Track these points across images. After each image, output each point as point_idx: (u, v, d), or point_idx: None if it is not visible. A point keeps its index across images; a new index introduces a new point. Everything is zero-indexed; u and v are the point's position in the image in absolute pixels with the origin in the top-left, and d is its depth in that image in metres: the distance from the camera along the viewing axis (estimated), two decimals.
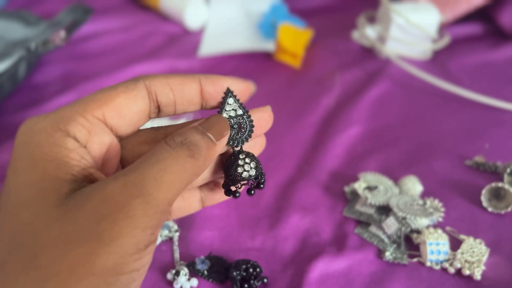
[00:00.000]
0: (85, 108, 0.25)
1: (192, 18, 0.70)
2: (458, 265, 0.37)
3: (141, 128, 0.29)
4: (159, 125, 0.30)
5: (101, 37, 0.69)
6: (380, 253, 0.39)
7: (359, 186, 0.43)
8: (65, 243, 0.20)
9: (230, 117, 0.29)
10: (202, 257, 0.39)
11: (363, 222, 0.41)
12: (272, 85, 0.60)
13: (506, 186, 0.41)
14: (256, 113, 0.30)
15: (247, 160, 0.29)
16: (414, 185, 0.43)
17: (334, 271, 0.38)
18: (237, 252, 0.40)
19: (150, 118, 0.28)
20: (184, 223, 0.42)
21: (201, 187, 0.32)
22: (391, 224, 0.39)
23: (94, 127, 0.25)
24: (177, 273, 0.37)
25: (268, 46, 0.63)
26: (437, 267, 0.38)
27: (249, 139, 0.30)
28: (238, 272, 0.37)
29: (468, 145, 0.48)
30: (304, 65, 0.63)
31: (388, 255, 0.38)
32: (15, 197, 0.23)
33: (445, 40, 0.61)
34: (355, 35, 0.63)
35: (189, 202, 0.31)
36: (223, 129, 0.27)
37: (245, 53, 0.65)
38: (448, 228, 0.40)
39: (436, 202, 0.42)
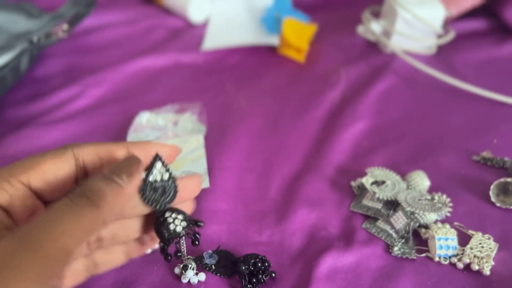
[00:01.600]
0: (10, 173, 0.26)
1: (196, 12, 0.69)
2: (467, 260, 0.37)
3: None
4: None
5: (104, 30, 0.69)
6: (388, 248, 0.39)
7: (367, 180, 0.42)
8: None
9: (156, 181, 0.29)
10: (210, 251, 0.38)
11: (371, 217, 0.41)
12: (276, 79, 0.59)
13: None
14: (183, 180, 0.30)
15: (174, 215, 0.30)
16: (422, 180, 0.42)
17: (343, 266, 0.38)
18: (244, 247, 0.40)
19: (77, 183, 0.29)
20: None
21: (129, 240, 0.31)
22: (399, 219, 0.39)
23: (17, 191, 0.26)
24: (185, 268, 0.37)
25: (272, 40, 0.63)
26: (446, 262, 0.37)
27: (172, 203, 0.30)
28: (246, 266, 0.37)
29: (475, 140, 0.48)
30: (308, 60, 0.62)
31: (396, 250, 0.38)
32: None
33: (450, 35, 0.60)
34: (360, 29, 0.62)
35: (114, 255, 0.31)
36: (132, 167, 0.27)
37: (249, 47, 0.64)
38: (456, 223, 0.40)
39: (444, 197, 0.42)
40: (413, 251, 0.38)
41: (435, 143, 0.49)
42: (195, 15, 0.69)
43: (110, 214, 0.25)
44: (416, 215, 0.39)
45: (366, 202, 0.42)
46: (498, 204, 0.41)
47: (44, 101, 0.57)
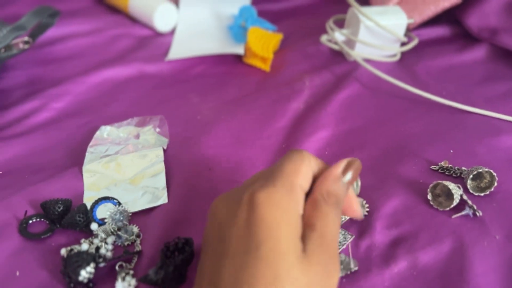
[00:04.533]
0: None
1: (162, 21, 0.69)
2: None
3: None
4: None
5: (68, 40, 0.68)
6: None
7: None
8: None
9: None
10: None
11: None
12: (241, 89, 0.59)
13: (446, 183, 0.42)
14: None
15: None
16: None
17: None
18: None
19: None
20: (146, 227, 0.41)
21: None
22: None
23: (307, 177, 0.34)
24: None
25: (238, 49, 0.63)
26: None
27: None
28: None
29: (434, 149, 0.48)
30: (273, 69, 0.62)
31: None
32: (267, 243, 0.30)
33: (413, 43, 0.61)
34: (324, 38, 0.63)
35: None
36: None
37: (215, 56, 0.64)
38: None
39: (361, 200, 0.43)
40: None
41: (396, 152, 0.49)
42: (161, 24, 0.69)
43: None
44: None
45: None
46: (434, 206, 0.43)
47: (4, 115, 0.56)
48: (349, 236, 0.41)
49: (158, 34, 0.70)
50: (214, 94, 0.59)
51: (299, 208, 0.32)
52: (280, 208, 0.30)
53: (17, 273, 0.38)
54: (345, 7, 0.66)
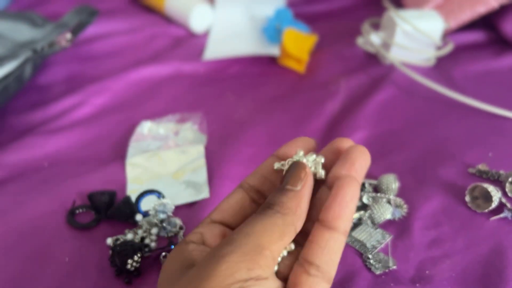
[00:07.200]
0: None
1: (197, 21, 0.70)
2: None
3: None
4: None
5: (106, 39, 0.70)
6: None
7: None
8: None
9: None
10: None
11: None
12: (276, 89, 0.60)
13: (485, 185, 0.43)
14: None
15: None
16: (391, 184, 0.45)
17: None
18: None
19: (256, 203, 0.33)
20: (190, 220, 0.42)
21: None
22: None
23: (205, 229, 0.31)
24: None
25: (273, 50, 0.64)
26: None
27: None
28: None
29: (472, 152, 0.49)
30: (308, 70, 0.63)
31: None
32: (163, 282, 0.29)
33: (449, 47, 0.61)
34: (360, 41, 0.63)
35: None
36: (300, 172, 0.30)
37: (250, 57, 0.65)
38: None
39: (399, 200, 0.43)
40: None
41: (433, 155, 0.49)
42: (196, 24, 0.70)
43: (296, 218, 0.29)
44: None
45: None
46: (473, 208, 0.43)
47: (46, 109, 0.57)
48: (388, 236, 0.41)
49: (192, 35, 0.71)
50: (250, 94, 0.59)
51: None
52: None
53: (66, 259, 0.39)
54: (379, 10, 0.66)
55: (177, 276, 0.28)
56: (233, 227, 0.32)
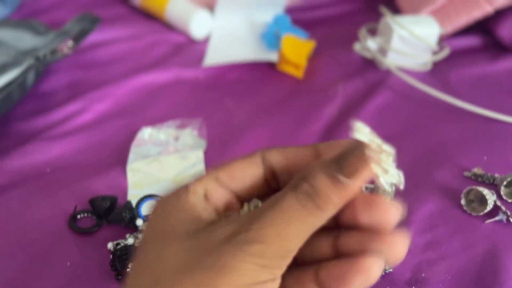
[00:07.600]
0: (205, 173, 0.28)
1: (198, 28, 0.71)
2: None
3: None
4: None
5: (108, 46, 0.71)
6: None
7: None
8: (186, 270, 0.23)
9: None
10: None
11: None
12: (275, 94, 0.61)
13: (480, 188, 0.43)
14: None
15: None
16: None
17: None
18: None
19: (270, 188, 0.29)
20: None
21: None
22: None
23: (210, 186, 0.27)
24: None
25: (272, 56, 0.65)
26: None
27: None
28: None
29: (468, 156, 0.49)
30: (306, 76, 0.64)
31: None
32: (151, 237, 0.25)
33: (445, 52, 0.62)
34: (357, 46, 0.64)
35: None
36: (358, 162, 0.23)
37: (249, 63, 0.66)
38: None
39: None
40: None
41: (429, 158, 0.50)
42: (196, 31, 0.71)
43: (330, 215, 0.24)
44: None
45: None
46: (468, 211, 0.44)
47: (48, 116, 0.58)
48: None
49: (192, 41, 0.72)
50: (249, 100, 0.60)
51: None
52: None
53: (68, 264, 0.40)
54: (376, 16, 0.67)
55: (183, 236, 0.24)
56: (236, 198, 0.28)
